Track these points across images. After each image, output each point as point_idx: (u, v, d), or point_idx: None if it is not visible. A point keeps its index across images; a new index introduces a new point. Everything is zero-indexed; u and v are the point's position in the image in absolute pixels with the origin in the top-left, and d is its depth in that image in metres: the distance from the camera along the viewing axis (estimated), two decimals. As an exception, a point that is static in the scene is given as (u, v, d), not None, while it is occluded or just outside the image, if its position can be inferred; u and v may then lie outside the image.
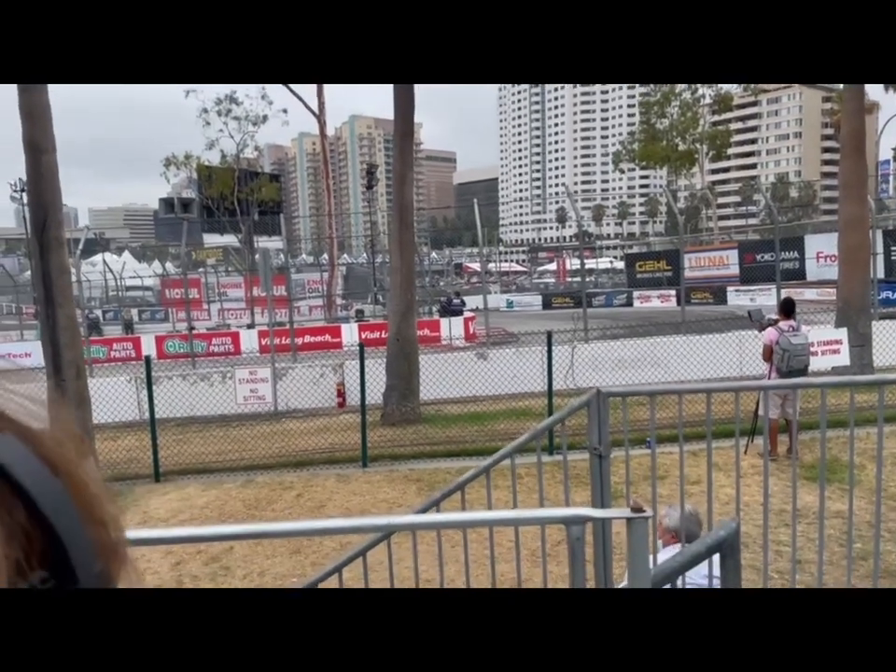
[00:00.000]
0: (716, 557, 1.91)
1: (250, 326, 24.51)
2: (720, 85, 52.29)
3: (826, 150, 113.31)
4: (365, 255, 40.60)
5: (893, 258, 23.29)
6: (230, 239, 38.47)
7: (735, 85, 53.12)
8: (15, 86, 7.03)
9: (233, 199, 37.76)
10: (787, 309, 7.88)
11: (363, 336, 18.94)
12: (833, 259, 15.26)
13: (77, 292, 15.84)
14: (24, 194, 24.91)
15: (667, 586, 1.58)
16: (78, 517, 0.31)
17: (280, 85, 29.39)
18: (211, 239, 40.30)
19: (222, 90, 47.34)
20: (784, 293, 14.15)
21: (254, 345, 18.87)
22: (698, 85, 51.74)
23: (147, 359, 9.69)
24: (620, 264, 47.61)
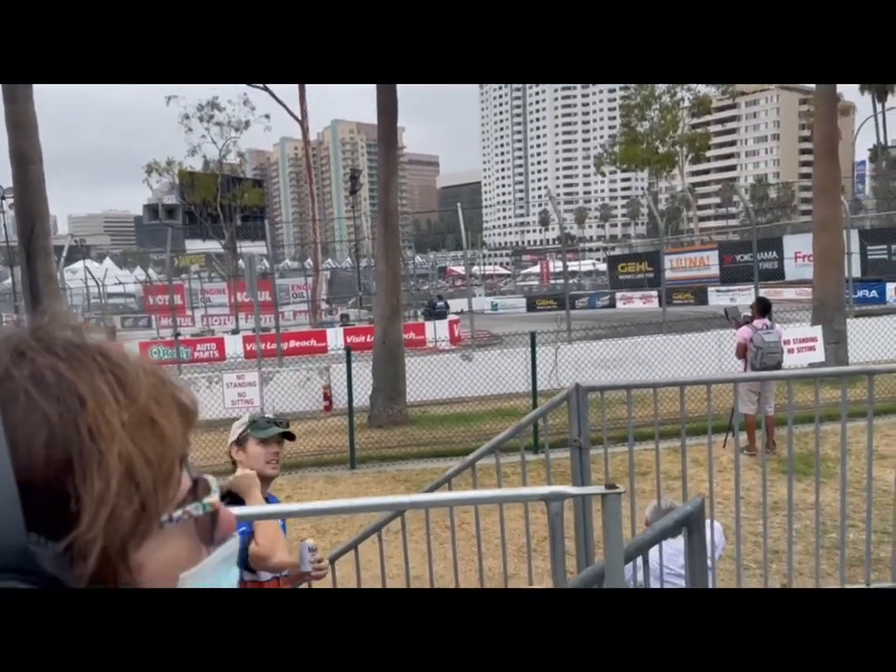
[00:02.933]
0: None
1: (235, 331, 24.47)
2: (698, 88, 52.94)
3: (804, 151, 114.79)
4: (349, 259, 40.65)
5: (870, 257, 23.74)
6: (212, 245, 38.36)
7: (713, 88, 53.80)
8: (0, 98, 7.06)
9: (216, 204, 37.66)
10: (762, 308, 8.13)
11: (349, 340, 19.00)
12: (810, 258, 15.59)
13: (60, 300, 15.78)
14: (3, 202, 24.69)
15: (639, 559, 1.72)
16: None
17: (262, 91, 29.41)
18: (193, 245, 40.12)
19: (204, 95, 47.18)
20: (763, 293, 14.44)
21: (239, 350, 18.85)
22: (677, 88, 52.38)
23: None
24: (602, 266, 47.99)
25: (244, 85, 30.44)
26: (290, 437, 2.80)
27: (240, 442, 2.78)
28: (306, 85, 28.20)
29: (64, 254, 16.80)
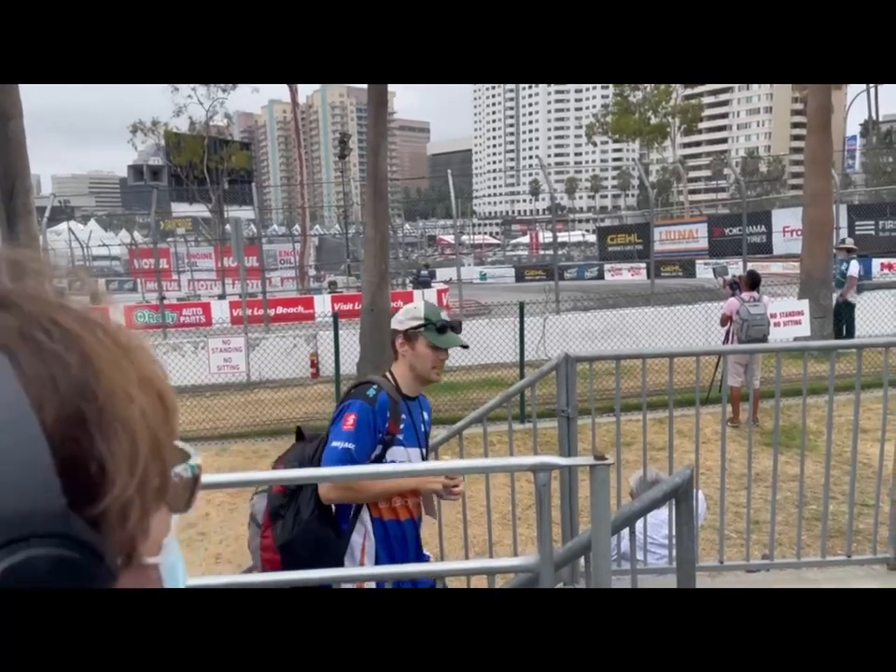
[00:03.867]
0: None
1: (221, 296, 24.28)
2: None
3: (795, 125, 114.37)
4: (338, 225, 40.30)
5: (858, 232, 23.81)
6: (199, 208, 37.83)
7: (708, 58, 53.14)
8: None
9: (203, 167, 37.06)
10: (752, 281, 8.18)
11: (336, 307, 18.90)
12: (798, 233, 15.60)
13: (44, 261, 15.51)
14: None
15: (626, 529, 1.71)
16: None
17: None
18: (180, 208, 39.57)
19: (190, 54, 46.18)
20: (750, 266, 14.46)
21: (225, 316, 18.72)
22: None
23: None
24: (592, 237, 47.91)
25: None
26: (464, 347, 2.67)
27: (409, 337, 2.62)
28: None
29: (47, 214, 16.48)
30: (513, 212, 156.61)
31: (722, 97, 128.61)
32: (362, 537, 2.47)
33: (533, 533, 3.85)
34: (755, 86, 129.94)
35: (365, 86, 11.36)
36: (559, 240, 26.26)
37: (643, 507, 1.70)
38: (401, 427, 2.49)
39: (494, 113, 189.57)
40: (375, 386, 2.52)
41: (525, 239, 55.79)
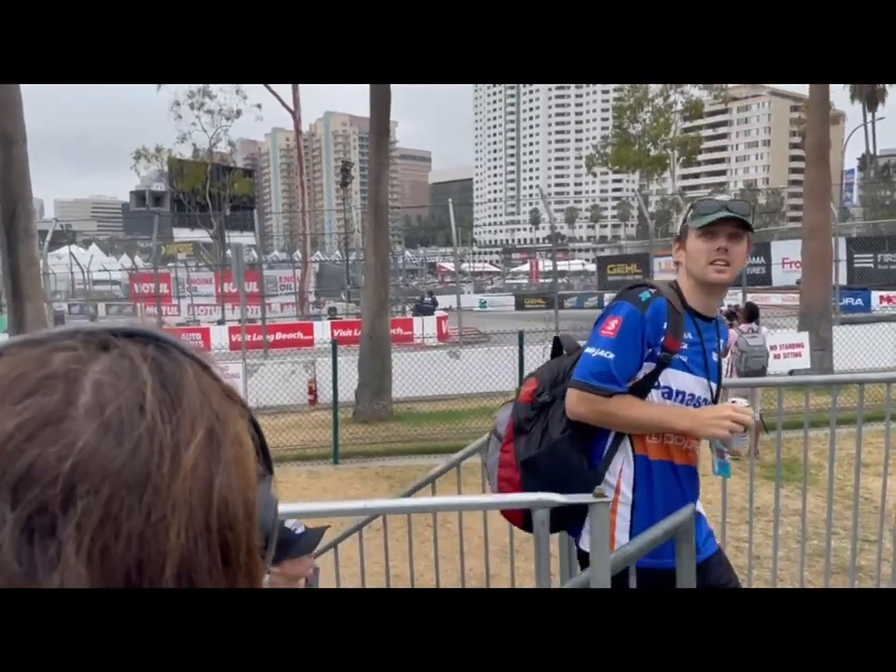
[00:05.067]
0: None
1: (220, 322, 24.29)
2: (691, 92, 53.15)
3: (794, 158, 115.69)
4: (338, 252, 40.51)
5: (856, 265, 23.92)
6: (200, 234, 38.06)
7: (705, 92, 53.99)
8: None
9: (205, 193, 37.37)
10: (750, 313, 8.22)
11: (336, 334, 18.90)
12: (797, 265, 15.66)
13: (43, 285, 15.59)
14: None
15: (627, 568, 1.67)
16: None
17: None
18: (181, 234, 39.82)
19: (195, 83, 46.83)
20: (750, 297, 14.50)
21: (224, 342, 18.71)
22: (670, 91, 52.57)
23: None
24: (591, 267, 48.11)
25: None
26: (746, 226, 2.01)
27: (680, 237, 2.13)
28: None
29: (48, 238, 16.58)
30: (513, 240, 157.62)
31: (721, 130, 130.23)
32: (616, 475, 1.99)
33: (531, 566, 3.79)
34: (753, 119, 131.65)
35: (367, 115, 11.48)
36: (559, 269, 26.39)
37: (643, 546, 1.66)
38: (684, 345, 1.97)
39: (494, 143, 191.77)
40: (652, 290, 2.00)
41: (526, 267, 56.04)
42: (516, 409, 2.09)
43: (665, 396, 2.00)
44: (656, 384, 1.97)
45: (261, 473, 0.39)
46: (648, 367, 1.96)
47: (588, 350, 1.97)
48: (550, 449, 1.98)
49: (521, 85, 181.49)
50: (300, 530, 2.38)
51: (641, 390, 1.97)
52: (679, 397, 2.01)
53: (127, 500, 0.31)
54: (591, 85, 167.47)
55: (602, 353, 1.93)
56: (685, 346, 1.98)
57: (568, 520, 1.99)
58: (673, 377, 1.98)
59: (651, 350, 1.94)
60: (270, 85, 28.71)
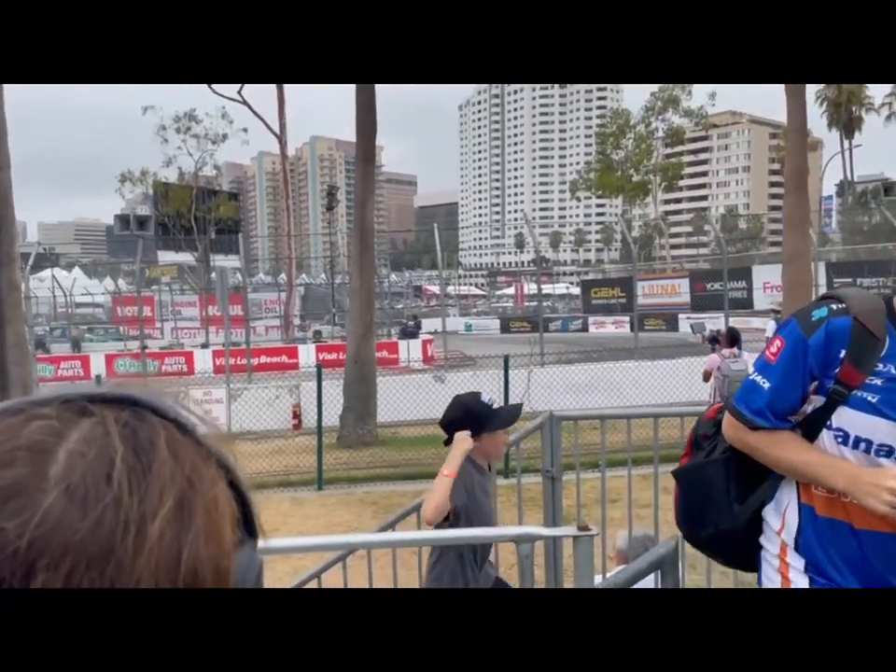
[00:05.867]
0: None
1: (204, 345, 24.13)
2: (672, 119, 54.08)
3: (773, 185, 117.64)
4: (324, 275, 40.49)
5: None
6: (185, 257, 37.92)
7: (686, 119, 54.96)
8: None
9: (190, 216, 37.31)
10: (731, 338, 8.34)
11: (321, 357, 18.83)
12: (778, 289, 15.86)
13: (25, 309, 15.44)
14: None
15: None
16: (251, 496, 0.40)
17: (241, 104, 29.30)
18: (166, 257, 39.67)
19: (182, 107, 46.94)
20: (732, 321, 14.64)
21: (208, 365, 18.58)
22: (652, 118, 53.47)
23: (98, 379, 9.49)
24: (576, 290, 48.43)
25: (222, 98, 30.31)
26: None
27: None
28: (286, 100, 28.19)
29: (31, 262, 16.46)
30: (499, 264, 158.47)
31: (702, 156, 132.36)
32: (779, 518, 1.65)
33: (517, 594, 3.76)
34: (733, 145, 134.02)
35: (354, 139, 11.57)
36: (544, 292, 26.55)
37: (628, 578, 1.65)
38: (874, 380, 1.51)
39: (480, 167, 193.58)
40: (838, 305, 1.56)
41: (511, 290, 56.31)
42: (698, 424, 1.89)
43: (840, 441, 1.56)
44: (828, 423, 1.57)
45: (240, 539, 0.38)
46: (817, 400, 1.58)
47: (751, 370, 1.73)
48: (697, 467, 1.76)
49: (506, 109, 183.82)
50: (495, 405, 2.65)
51: (811, 427, 1.60)
52: (861, 445, 1.54)
53: (88, 575, 0.30)
54: (575, 111, 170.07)
55: (759, 379, 1.65)
56: (877, 381, 1.52)
57: (733, 557, 1.76)
58: (852, 419, 1.54)
59: (817, 382, 1.56)
60: (256, 109, 28.89)
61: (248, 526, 0.39)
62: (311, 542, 2.08)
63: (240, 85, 28.76)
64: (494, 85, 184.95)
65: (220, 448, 0.40)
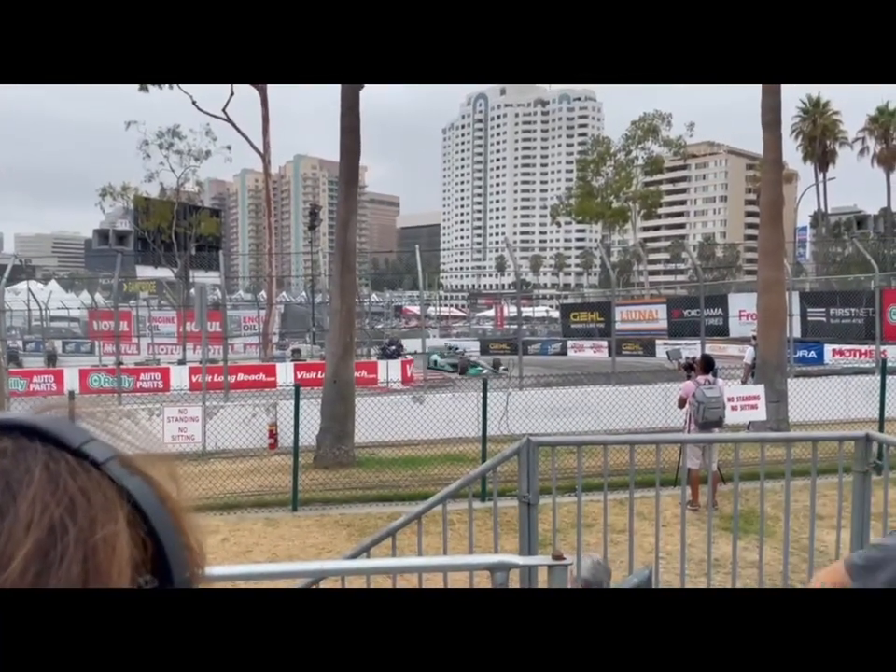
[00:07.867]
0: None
1: (181, 362, 23.88)
2: (651, 148, 54.99)
3: (749, 214, 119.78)
4: (304, 293, 40.33)
5: (810, 319, 24.66)
6: (164, 272, 37.61)
7: (665, 149, 55.92)
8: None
9: (171, 232, 37.08)
10: (706, 365, 8.44)
11: (299, 376, 18.72)
12: (753, 317, 16.11)
13: (-1, 321, 15.22)
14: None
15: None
16: (174, 532, 0.37)
17: (225, 122, 29.32)
18: (145, 272, 39.29)
19: (165, 123, 46.84)
20: (708, 348, 14.84)
21: (184, 382, 18.36)
22: (632, 147, 54.33)
23: (71, 394, 9.35)
24: (555, 313, 48.74)
25: (205, 116, 30.30)
26: None
27: None
28: (270, 119, 28.27)
29: (6, 274, 16.22)
30: (479, 286, 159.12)
31: (680, 185, 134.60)
32: None
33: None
34: (711, 175, 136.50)
35: (337, 159, 11.62)
36: (524, 315, 26.68)
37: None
38: None
39: (462, 190, 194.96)
40: None
41: (491, 312, 56.52)
42: None
43: None
44: None
45: (145, 582, 0.35)
46: None
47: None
48: None
49: (489, 133, 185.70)
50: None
51: None
52: None
53: None
54: (557, 137, 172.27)
55: None
56: None
57: None
58: None
59: None
60: (240, 127, 28.91)
61: (162, 565, 0.36)
62: (273, 569, 2.07)
63: (224, 102, 28.83)
64: (478, 110, 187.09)
65: (146, 478, 0.37)
